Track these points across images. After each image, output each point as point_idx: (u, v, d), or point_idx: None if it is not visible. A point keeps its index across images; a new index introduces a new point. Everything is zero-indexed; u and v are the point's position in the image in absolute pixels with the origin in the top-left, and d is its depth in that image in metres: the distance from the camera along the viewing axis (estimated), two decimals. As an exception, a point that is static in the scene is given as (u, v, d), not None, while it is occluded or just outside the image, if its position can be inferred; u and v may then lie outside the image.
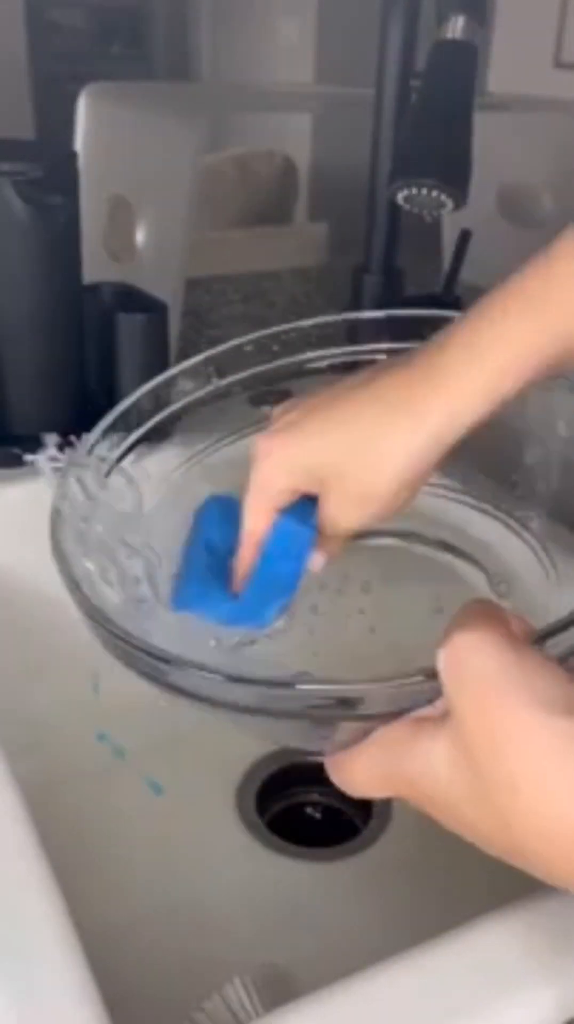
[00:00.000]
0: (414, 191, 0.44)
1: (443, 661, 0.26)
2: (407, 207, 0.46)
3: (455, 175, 0.44)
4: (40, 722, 0.56)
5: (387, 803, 0.57)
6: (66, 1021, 0.27)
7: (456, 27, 0.47)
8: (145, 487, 0.57)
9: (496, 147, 0.82)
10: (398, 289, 0.64)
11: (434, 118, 0.46)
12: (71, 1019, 0.27)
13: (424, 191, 0.44)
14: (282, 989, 0.42)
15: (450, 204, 0.45)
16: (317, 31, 3.30)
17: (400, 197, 0.45)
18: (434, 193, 0.44)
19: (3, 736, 0.39)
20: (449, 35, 0.47)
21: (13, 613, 0.55)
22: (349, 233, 0.68)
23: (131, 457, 0.45)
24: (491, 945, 0.31)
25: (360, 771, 0.30)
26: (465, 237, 0.65)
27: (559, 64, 2.11)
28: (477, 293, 0.82)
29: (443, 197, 0.44)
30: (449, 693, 0.26)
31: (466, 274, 0.69)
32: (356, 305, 0.65)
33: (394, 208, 0.47)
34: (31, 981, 0.28)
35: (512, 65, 2.16)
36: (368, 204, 0.61)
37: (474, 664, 0.25)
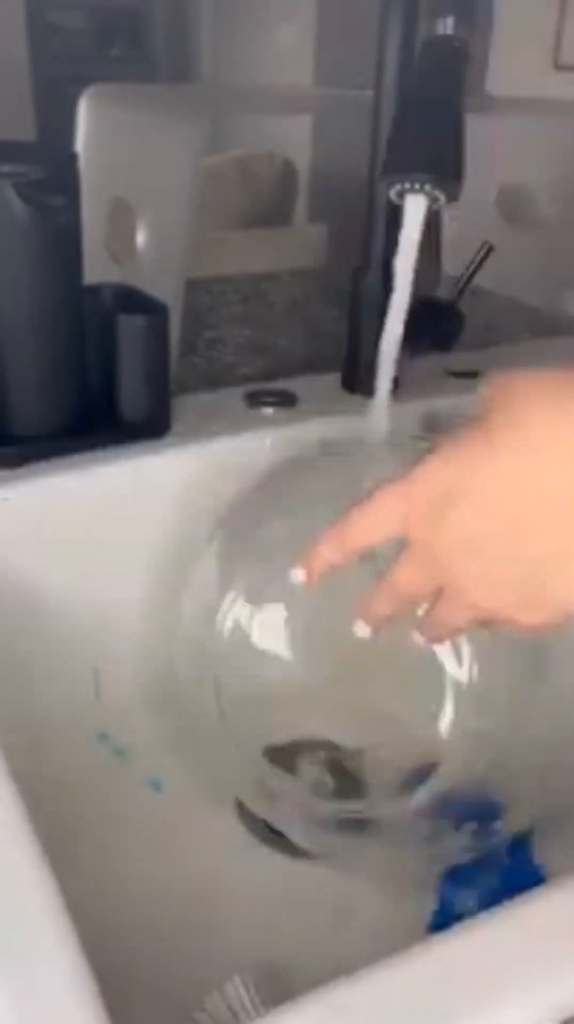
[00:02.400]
0: (407, 186, 0.45)
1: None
2: (400, 203, 0.46)
3: (448, 170, 0.44)
4: (40, 721, 0.56)
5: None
6: (66, 1020, 0.27)
7: (446, 25, 0.47)
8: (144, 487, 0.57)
9: (496, 148, 0.83)
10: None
11: (426, 114, 0.46)
12: (71, 1019, 0.27)
13: (417, 186, 0.44)
14: (282, 987, 0.42)
15: (443, 199, 0.45)
16: (316, 33, 3.31)
17: (393, 192, 0.45)
18: (427, 188, 0.44)
19: (2, 735, 0.39)
20: (439, 32, 0.48)
21: (12, 613, 0.55)
22: (348, 234, 0.68)
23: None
24: (490, 944, 0.31)
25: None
26: (487, 251, 0.65)
27: (558, 66, 2.12)
28: (474, 294, 0.82)
29: (437, 192, 0.44)
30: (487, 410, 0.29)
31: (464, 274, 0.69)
32: (355, 306, 0.65)
33: (393, 209, 0.47)
34: (30, 981, 0.28)
35: (511, 67, 2.17)
36: (367, 205, 0.62)
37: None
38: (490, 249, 0.65)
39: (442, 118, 0.45)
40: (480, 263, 0.66)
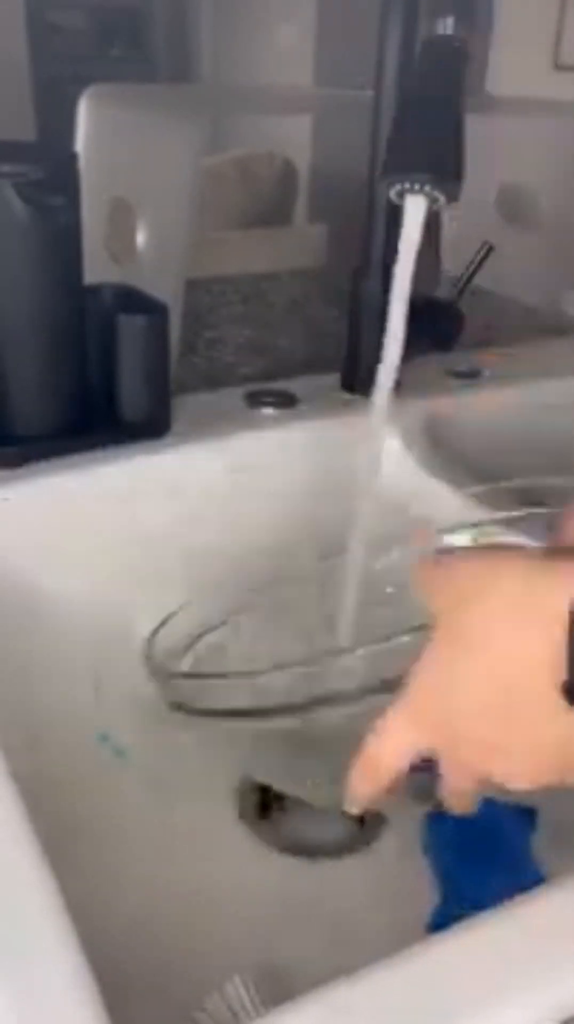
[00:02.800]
0: (407, 186, 0.45)
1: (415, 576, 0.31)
2: (400, 203, 0.46)
3: (448, 170, 0.44)
4: (39, 721, 0.56)
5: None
6: (66, 1020, 0.27)
7: (446, 25, 0.48)
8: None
9: (496, 148, 0.83)
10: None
11: (426, 114, 0.46)
12: (71, 1018, 0.27)
13: (417, 186, 0.44)
14: (282, 987, 0.42)
15: (443, 199, 0.45)
16: (316, 34, 3.31)
17: (393, 192, 0.45)
18: (427, 188, 0.44)
19: (2, 735, 0.39)
20: (439, 32, 0.48)
21: (13, 613, 0.55)
22: (348, 234, 0.68)
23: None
24: (490, 944, 0.31)
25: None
26: (487, 251, 0.65)
27: (558, 66, 2.12)
28: (474, 295, 0.82)
29: (436, 192, 0.44)
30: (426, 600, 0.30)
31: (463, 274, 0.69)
32: (355, 306, 0.65)
33: (393, 209, 0.47)
34: (30, 981, 0.28)
35: (511, 67, 2.17)
36: (367, 205, 0.62)
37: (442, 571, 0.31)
38: (490, 249, 0.65)
39: (442, 118, 0.45)
40: (480, 263, 0.66)
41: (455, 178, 0.44)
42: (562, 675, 0.27)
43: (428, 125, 0.45)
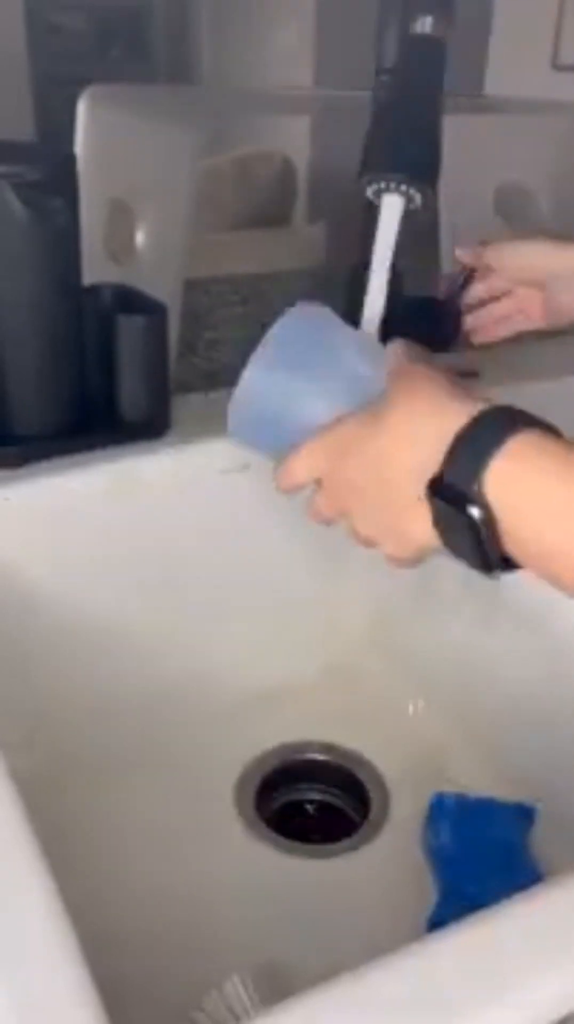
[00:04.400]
0: (383, 185, 0.45)
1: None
2: (377, 202, 0.46)
3: (424, 170, 0.44)
4: (39, 721, 0.56)
5: (384, 800, 0.57)
6: (65, 1020, 0.27)
7: (425, 24, 0.47)
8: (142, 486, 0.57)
9: (493, 149, 0.83)
10: (396, 291, 0.65)
11: (404, 114, 0.46)
12: (70, 1018, 0.27)
13: (393, 186, 0.44)
14: (280, 986, 0.42)
15: (419, 199, 0.45)
16: (316, 34, 3.31)
17: (370, 192, 0.46)
18: (403, 187, 0.44)
19: (2, 734, 0.39)
20: (418, 31, 0.48)
21: (13, 612, 0.55)
22: (348, 235, 0.68)
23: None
24: (489, 941, 0.31)
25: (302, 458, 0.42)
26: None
27: (557, 66, 2.11)
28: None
29: (412, 192, 0.45)
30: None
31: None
32: (354, 307, 0.65)
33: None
34: (29, 980, 0.28)
35: (509, 67, 2.16)
36: (366, 206, 0.61)
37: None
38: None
39: (420, 118, 0.45)
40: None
41: (431, 178, 0.44)
42: (432, 473, 0.35)
43: (406, 125, 0.46)
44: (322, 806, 0.58)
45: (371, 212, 0.62)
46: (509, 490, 0.34)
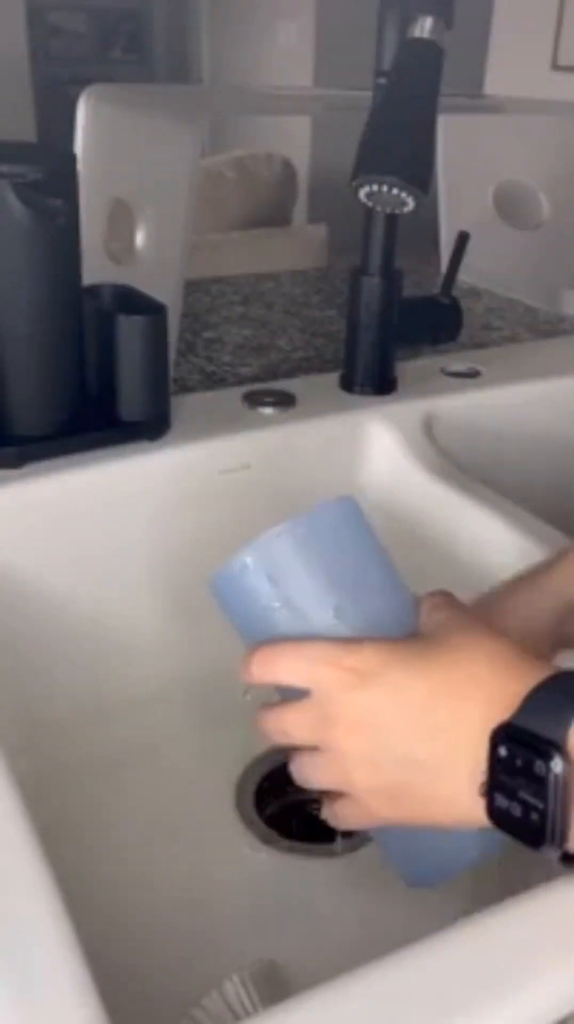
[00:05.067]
0: (375, 188, 0.45)
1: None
2: (370, 204, 0.46)
3: (416, 173, 0.44)
4: (39, 720, 0.56)
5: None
6: (64, 1019, 0.27)
7: (423, 27, 0.47)
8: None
9: (493, 149, 0.83)
10: (397, 290, 0.65)
11: (398, 116, 0.46)
12: (69, 1017, 0.27)
13: (385, 188, 0.44)
14: (280, 986, 0.42)
15: (411, 203, 0.45)
16: (315, 34, 3.31)
17: (362, 194, 0.46)
18: (394, 191, 0.44)
19: (2, 733, 0.39)
20: (416, 34, 0.47)
21: (13, 612, 0.55)
22: (348, 234, 0.68)
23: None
24: (489, 941, 0.31)
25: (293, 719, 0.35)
26: (463, 239, 0.65)
27: (556, 66, 2.12)
28: (475, 294, 0.83)
29: (404, 195, 0.45)
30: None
31: (464, 275, 0.69)
32: (355, 306, 0.65)
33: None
34: (29, 979, 0.28)
35: (509, 68, 2.17)
36: (365, 206, 0.62)
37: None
38: (466, 237, 0.65)
39: (414, 121, 0.45)
40: (458, 253, 0.66)
41: (423, 181, 0.44)
42: (497, 722, 0.30)
43: (399, 128, 0.46)
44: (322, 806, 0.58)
45: (372, 213, 0.62)
46: None
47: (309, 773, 0.35)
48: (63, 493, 0.55)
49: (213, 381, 0.70)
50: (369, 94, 0.58)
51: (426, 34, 0.47)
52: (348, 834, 0.55)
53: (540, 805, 0.28)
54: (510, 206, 0.85)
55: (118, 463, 0.56)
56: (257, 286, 0.96)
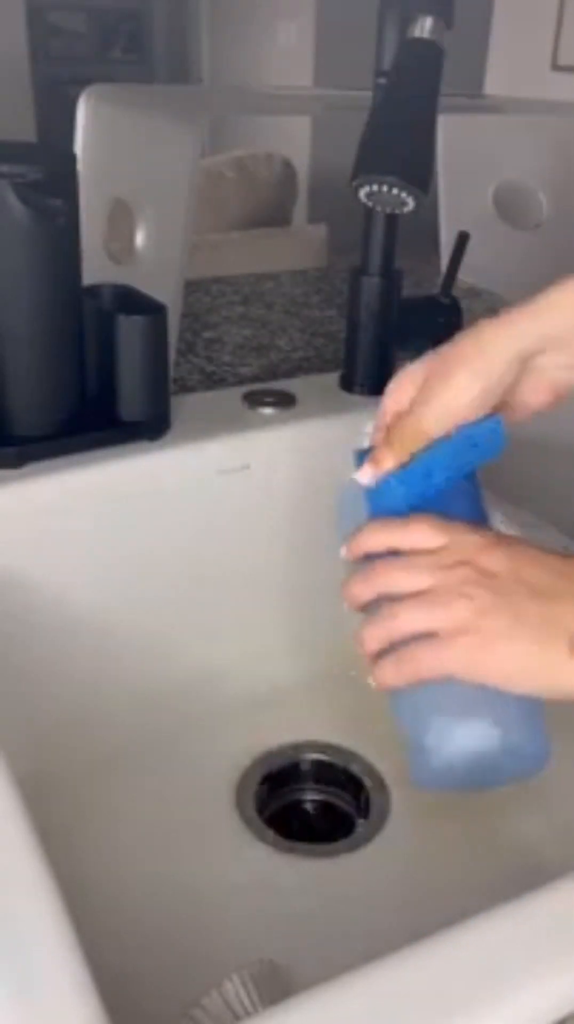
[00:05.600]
0: (375, 188, 0.45)
1: None
2: (369, 204, 0.46)
3: (416, 173, 0.44)
4: (39, 720, 0.56)
5: (385, 800, 0.57)
6: (64, 1019, 0.27)
7: (423, 27, 0.47)
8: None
9: (493, 149, 0.83)
10: (397, 290, 0.65)
11: (398, 116, 0.46)
12: (69, 1017, 0.27)
13: (385, 188, 0.44)
14: (280, 985, 0.42)
15: (411, 203, 0.45)
16: (315, 34, 3.31)
17: (362, 194, 0.45)
18: (394, 191, 0.44)
19: (2, 734, 0.39)
20: (417, 34, 0.47)
21: (12, 613, 0.55)
22: (348, 234, 0.68)
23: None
24: (489, 941, 0.31)
25: None
26: (463, 239, 0.65)
27: (556, 67, 2.12)
28: (475, 294, 0.83)
29: (404, 195, 0.44)
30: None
31: (464, 275, 0.69)
32: (354, 306, 0.65)
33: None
34: (29, 979, 0.28)
35: (509, 68, 2.17)
36: (366, 206, 0.62)
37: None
38: (466, 237, 0.65)
39: (414, 121, 0.45)
40: (458, 253, 0.66)
41: (422, 181, 0.44)
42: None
43: (399, 128, 0.45)
44: (322, 806, 0.58)
45: (371, 213, 0.62)
46: None
47: (414, 610, 0.36)
48: (63, 493, 0.55)
49: (213, 381, 0.70)
50: (369, 94, 0.58)
51: (426, 34, 0.47)
52: (348, 834, 0.55)
53: None
54: (510, 206, 0.85)
55: (118, 463, 0.56)
56: (257, 286, 0.96)
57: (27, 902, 0.31)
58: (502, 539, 0.38)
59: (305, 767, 0.59)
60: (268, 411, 0.63)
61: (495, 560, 0.36)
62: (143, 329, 0.55)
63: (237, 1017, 0.39)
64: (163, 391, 0.58)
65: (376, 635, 0.37)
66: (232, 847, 0.53)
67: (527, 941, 0.31)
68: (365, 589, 0.38)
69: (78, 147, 0.67)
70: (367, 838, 0.54)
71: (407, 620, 0.36)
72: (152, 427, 0.58)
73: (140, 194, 0.68)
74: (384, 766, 0.59)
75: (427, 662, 0.35)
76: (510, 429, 0.47)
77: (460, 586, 0.35)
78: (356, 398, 0.66)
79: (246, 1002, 0.39)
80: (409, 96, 0.46)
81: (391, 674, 0.37)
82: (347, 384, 0.67)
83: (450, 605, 0.35)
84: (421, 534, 0.38)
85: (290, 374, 0.71)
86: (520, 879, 0.34)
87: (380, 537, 0.39)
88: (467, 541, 0.37)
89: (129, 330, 0.55)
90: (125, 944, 0.45)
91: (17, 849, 0.32)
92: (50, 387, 0.55)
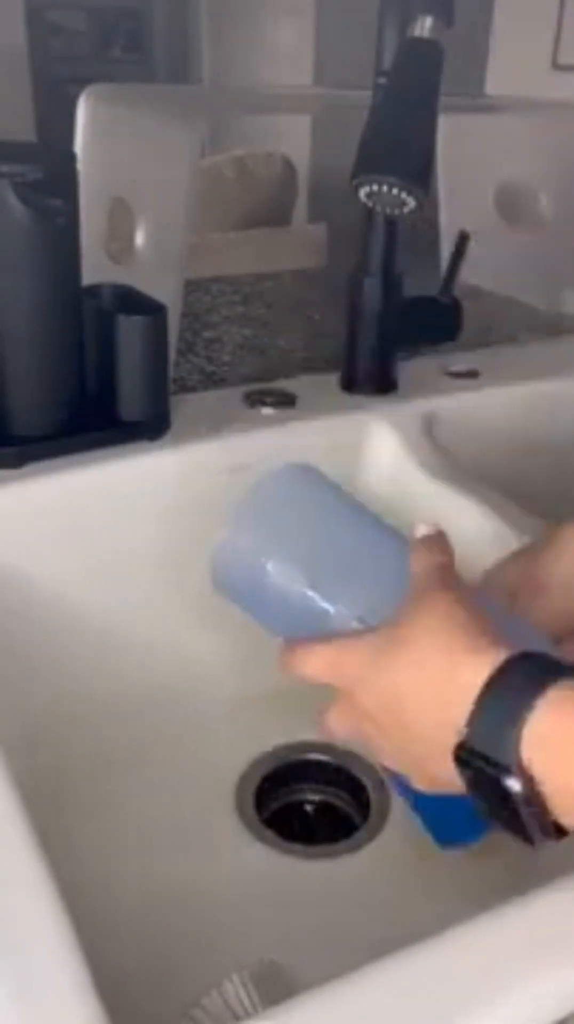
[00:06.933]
0: (375, 188, 0.45)
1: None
2: (370, 204, 0.46)
3: (416, 173, 0.44)
4: (38, 720, 0.56)
5: (385, 800, 0.57)
6: (64, 1018, 0.27)
7: (423, 26, 0.47)
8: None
9: (494, 148, 0.83)
10: (397, 290, 0.65)
11: (399, 116, 0.46)
12: (69, 1016, 0.27)
13: (386, 188, 0.44)
14: (280, 986, 0.42)
15: (412, 203, 0.45)
16: (315, 34, 3.31)
17: (362, 194, 0.45)
18: (395, 191, 0.44)
19: (2, 733, 0.39)
20: (417, 34, 0.47)
21: (12, 613, 0.55)
22: (348, 234, 0.68)
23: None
24: (488, 942, 0.31)
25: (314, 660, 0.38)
26: (463, 239, 0.65)
27: (557, 66, 2.12)
28: (475, 294, 0.83)
29: (405, 195, 0.44)
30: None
31: (464, 275, 0.69)
32: (354, 306, 0.65)
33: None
34: (29, 979, 0.28)
35: (510, 67, 2.17)
36: (366, 206, 0.62)
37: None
38: (466, 238, 0.65)
39: (415, 121, 0.45)
40: (458, 253, 0.66)
41: (423, 181, 0.44)
42: (457, 732, 0.31)
43: (399, 127, 0.45)
44: (322, 806, 0.58)
45: (371, 212, 0.62)
46: (554, 755, 0.29)
47: (331, 721, 0.39)
48: (63, 493, 0.55)
49: (213, 381, 0.70)
50: (369, 94, 0.58)
51: (426, 33, 0.47)
52: (348, 835, 0.55)
53: (513, 816, 0.30)
54: (510, 206, 0.85)
55: (118, 463, 0.56)
56: (257, 286, 0.96)
57: (27, 902, 0.31)
58: (377, 658, 0.35)
59: (305, 767, 0.59)
60: (268, 411, 0.63)
61: (368, 698, 0.36)
62: (143, 329, 0.55)
63: (237, 1017, 0.39)
64: (163, 391, 0.58)
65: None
66: (232, 847, 0.53)
67: (527, 941, 0.31)
68: (326, 735, 0.40)
69: (78, 147, 0.67)
70: (367, 839, 0.54)
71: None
72: (152, 427, 0.58)
73: (140, 194, 0.68)
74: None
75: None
76: (509, 427, 0.47)
77: (363, 728, 0.37)
78: (356, 398, 0.66)
79: (246, 1002, 0.39)
80: (410, 95, 0.46)
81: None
82: (347, 384, 0.67)
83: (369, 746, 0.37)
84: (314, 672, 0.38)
85: (290, 374, 0.71)
86: (520, 879, 0.34)
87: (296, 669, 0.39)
88: (350, 677, 0.37)
89: (129, 330, 0.55)
90: (125, 944, 0.45)
91: (17, 849, 0.32)
92: (50, 387, 0.55)
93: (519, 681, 0.30)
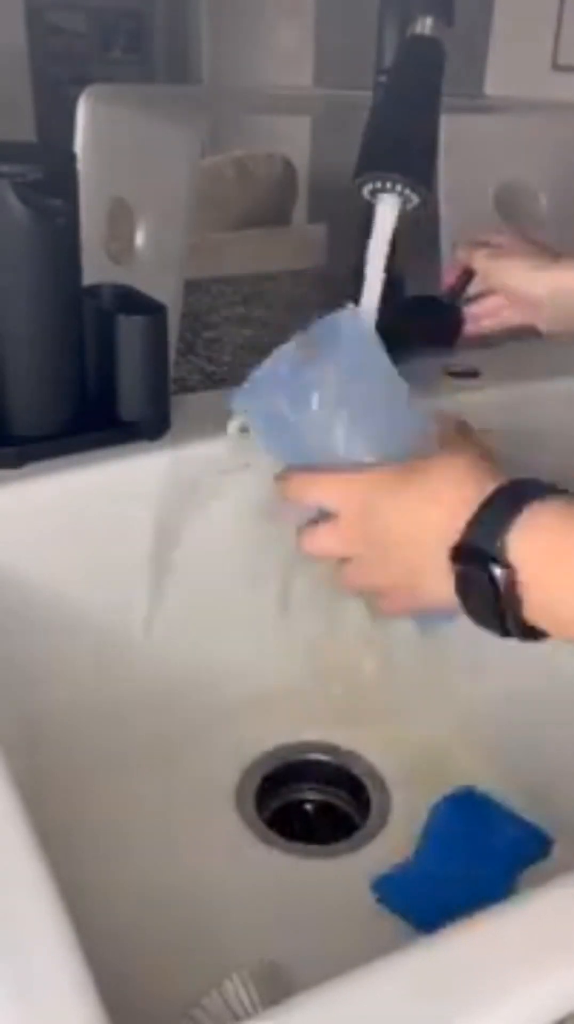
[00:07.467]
0: (379, 185, 0.45)
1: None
2: (373, 201, 0.46)
3: (420, 171, 0.44)
4: (39, 720, 0.56)
5: (385, 800, 0.57)
6: (64, 1018, 0.27)
7: (424, 26, 0.47)
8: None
9: (494, 149, 0.83)
10: (397, 291, 0.65)
11: (401, 113, 0.46)
12: (69, 1016, 0.27)
13: (389, 185, 0.44)
14: (281, 986, 0.42)
15: (415, 200, 0.45)
16: (315, 34, 3.31)
17: (366, 191, 0.46)
18: (399, 187, 0.44)
19: (2, 733, 0.39)
20: (418, 32, 0.47)
21: (12, 612, 0.55)
22: (348, 235, 0.68)
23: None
24: (489, 941, 0.31)
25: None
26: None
27: (556, 66, 2.12)
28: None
29: (408, 192, 0.45)
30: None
31: (463, 275, 0.69)
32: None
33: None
34: (29, 979, 0.28)
35: (510, 67, 2.16)
36: (366, 205, 0.61)
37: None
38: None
39: (417, 118, 0.45)
40: (463, 287, 0.67)
41: (426, 178, 0.44)
42: (457, 537, 0.36)
43: (402, 125, 0.46)
44: (322, 806, 0.58)
45: (371, 212, 0.62)
46: (533, 552, 0.35)
47: (352, 579, 0.43)
48: (63, 493, 0.55)
49: (213, 381, 0.70)
50: (369, 94, 0.58)
51: (428, 31, 0.47)
52: (348, 835, 0.55)
53: (493, 604, 0.35)
54: (510, 206, 0.85)
55: (118, 463, 0.56)
56: (257, 286, 0.95)
57: (27, 902, 0.31)
58: (368, 493, 0.41)
59: (305, 767, 0.59)
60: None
61: (374, 520, 0.40)
62: (143, 329, 0.55)
63: (237, 1017, 0.39)
64: (163, 391, 0.58)
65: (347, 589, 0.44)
66: (232, 847, 0.53)
67: (527, 941, 0.31)
68: (309, 550, 0.44)
69: (78, 147, 0.67)
70: (367, 839, 0.54)
71: (351, 585, 0.43)
72: (152, 427, 0.58)
73: (140, 194, 0.68)
74: (384, 766, 0.59)
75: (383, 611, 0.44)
76: (509, 427, 0.49)
77: (349, 550, 0.42)
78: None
79: (246, 1002, 0.39)
80: (412, 93, 0.46)
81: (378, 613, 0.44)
82: (347, 384, 0.67)
83: (356, 580, 0.42)
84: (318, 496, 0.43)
85: (290, 374, 0.71)
86: (520, 878, 0.34)
87: (294, 494, 0.44)
88: (357, 502, 0.41)
89: (129, 330, 0.55)
90: (126, 944, 0.45)
91: (17, 849, 0.32)
92: (50, 387, 0.55)
93: (513, 494, 0.36)
